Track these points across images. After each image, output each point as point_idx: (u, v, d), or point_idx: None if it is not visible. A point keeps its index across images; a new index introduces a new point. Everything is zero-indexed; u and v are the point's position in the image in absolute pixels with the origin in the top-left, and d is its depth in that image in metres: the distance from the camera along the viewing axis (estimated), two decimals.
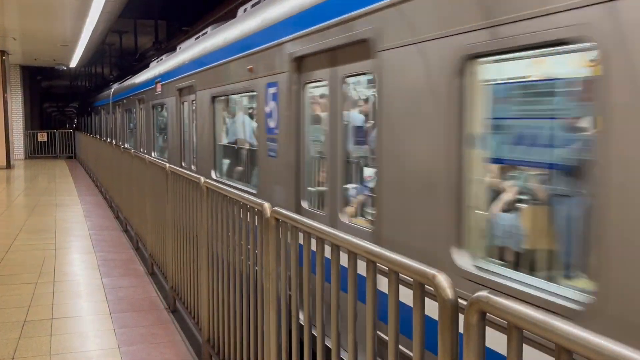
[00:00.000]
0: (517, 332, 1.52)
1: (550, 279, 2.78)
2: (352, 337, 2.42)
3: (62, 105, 66.95)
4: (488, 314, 1.59)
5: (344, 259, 2.46)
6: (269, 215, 3.24)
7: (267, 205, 3.31)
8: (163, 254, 6.68)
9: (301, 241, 2.91)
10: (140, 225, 8.68)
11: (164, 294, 6.61)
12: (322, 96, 5.16)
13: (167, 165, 6.28)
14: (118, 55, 32.35)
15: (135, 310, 6.16)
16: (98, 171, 16.90)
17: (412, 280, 1.95)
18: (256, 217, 3.51)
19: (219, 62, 7.83)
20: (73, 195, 15.69)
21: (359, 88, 4.78)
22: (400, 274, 2.06)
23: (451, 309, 1.76)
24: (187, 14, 19.63)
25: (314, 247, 2.75)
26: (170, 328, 5.63)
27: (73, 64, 28.48)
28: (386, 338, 2.16)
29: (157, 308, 6.24)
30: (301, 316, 2.98)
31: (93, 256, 8.58)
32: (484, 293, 1.60)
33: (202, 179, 4.71)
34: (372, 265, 2.22)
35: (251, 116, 7.72)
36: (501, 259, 3.12)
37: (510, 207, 3.14)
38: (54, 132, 31.93)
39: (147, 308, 6.23)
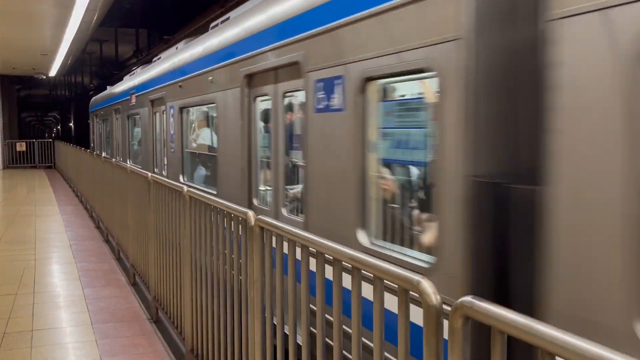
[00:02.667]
0: (501, 337, 1.54)
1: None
2: (338, 345, 2.43)
3: (42, 115, 66.32)
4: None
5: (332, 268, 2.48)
6: (253, 223, 3.25)
7: (251, 213, 3.32)
8: (145, 263, 6.63)
9: (286, 250, 2.92)
10: (121, 235, 8.62)
11: (147, 304, 6.56)
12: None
13: (149, 174, 6.26)
14: (98, 64, 32.14)
15: (117, 320, 6.10)
16: (78, 181, 16.75)
17: (396, 286, 1.97)
18: (240, 225, 3.51)
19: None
20: (53, 205, 15.52)
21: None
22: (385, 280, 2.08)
23: (436, 314, 1.78)
24: (168, 23, 19.56)
25: (299, 257, 2.76)
26: (153, 338, 5.59)
27: (52, 72, 28.23)
28: (372, 345, 2.17)
29: (140, 318, 6.19)
30: (286, 325, 2.98)
31: (74, 267, 8.49)
32: (468, 298, 1.63)
33: (185, 188, 4.71)
34: (356, 272, 2.24)
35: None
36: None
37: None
38: (33, 142, 31.57)
39: (130, 318, 6.18)
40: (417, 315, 1.97)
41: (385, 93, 3.98)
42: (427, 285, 1.81)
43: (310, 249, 2.67)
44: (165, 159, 9.99)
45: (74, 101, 47.78)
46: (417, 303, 1.86)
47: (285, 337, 3.01)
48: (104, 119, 19.03)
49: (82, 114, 46.91)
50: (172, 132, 9.38)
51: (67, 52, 21.26)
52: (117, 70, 28.70)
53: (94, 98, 23.54)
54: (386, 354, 2.21)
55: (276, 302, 3.12)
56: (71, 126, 53.73)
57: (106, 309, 6.48)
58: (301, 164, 5.03)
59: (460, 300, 1.63)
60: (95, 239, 10.73)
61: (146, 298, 6.73)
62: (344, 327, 2.42)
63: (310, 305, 2.72)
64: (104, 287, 7.45)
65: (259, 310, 3.24)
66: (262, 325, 3.24)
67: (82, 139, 39.99)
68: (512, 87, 2.81)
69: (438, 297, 1.78)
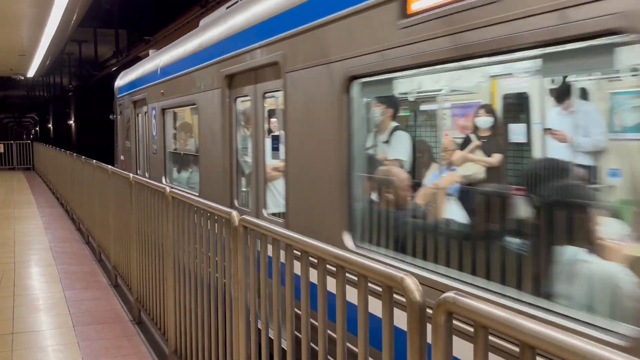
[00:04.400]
0: (483, 332, 1.57)
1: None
2: (323, 345, 2.44)
3: (19, 116, 65.46)
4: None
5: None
6: (237, 223, 3.25)
7: (235, 213, 3.32)
8: (127, 265, 6.60)
9: (270, 252, 2.92)
10: (102, 237, 8.55)
11: (129, 305, 6.52)
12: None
13: (131, 175, 6.22)
14: (78, 64, 31.83)
15: (99, 322, 6.06)
16: (58, 183, 16.57)
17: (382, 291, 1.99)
18: (223, 226, 3.52)
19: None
20: (32, 207, 15.34)
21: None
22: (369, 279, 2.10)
23: (419, 311, 1.81)
24: (148, 23, 19.42)
25: (283, 260, 2.77)
26: (136, 340, 5.56)
27: (31, 73, 27.92)
28: (356, 350, 2.18)
29: (122, 320, 6.15)
30: (271, 329, 2.99)
31: (54, 269, 8.41)
32: (451, 294, 1.66)
33: (168, 188, 4.70)
34: (341, 270, 2.25)
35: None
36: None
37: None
38: (11, 143, 31.15)
39: (111, 320, 6.14)
40: (402, 320, 1.99)
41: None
42: (410, 282, 1.84)
43: (295, 250, 2.69)
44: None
45: (52, 102, 47.25)
46: (403, 308, 1.88)
47: (270, 339, 3.02)
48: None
49: (61, 115, 46.38)
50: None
51: (45, 53, 21.05)
52: (97, 71, 28.46)
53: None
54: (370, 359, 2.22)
55: (260, 302, 3.12)
56: (50, 127, 53.13)
57: (87, 311, 6.44)
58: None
59: (443, 295, 1.66)
60: (76, 241, 10.63)
61: (128, 300, 6.69)
62: (329, 332, 2.43)
63: (297, 310, 2.73)
64: (85, 289, 7.39)
65: (243, 311, 3.25)
66: (246, 326, 3.24)
67: (60, 140, 39.57)
68: None
69: (421, 293, 1.81)
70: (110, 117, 13.73)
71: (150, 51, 11.09)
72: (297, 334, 2.67)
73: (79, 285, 7.57)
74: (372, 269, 2.01)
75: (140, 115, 10.73)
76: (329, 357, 2.42)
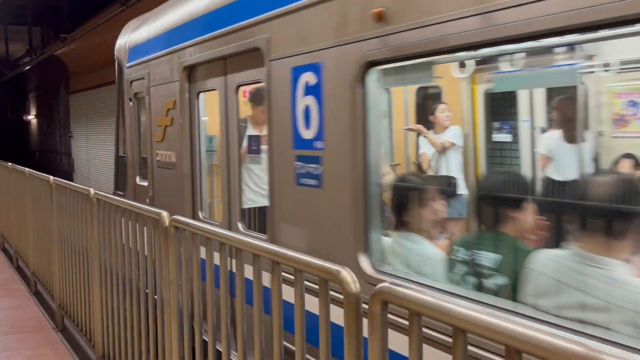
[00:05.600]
0: (417, 319, 1.64)
1: None
2: (259, 345, 2.45)
3: None
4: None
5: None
6: (167, 224, 3.21)
7: (165, 214, 3.28)
8: (48, 270, 6.35)
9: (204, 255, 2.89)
10: (20, 242, 8.19)
11: (51, 312, 6.29)
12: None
13: (51, 177, 6.00)
14: None
15: (18, 331, 5.81)
16: None
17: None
18: (154, 227, 3.47)
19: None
20: None
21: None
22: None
23: (355, 302, 1.86)
24: (65, 20, 18.71)
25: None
26: (60, 348, 5.37)
27: None
28: (293, 348, 2.21)
29: (44, 328, 5.92)
30: (205, 327, 2.98)
31: None
32: (386, 284, 1.72)
33: (92, 190, 4.57)
34: (276, 266, 2.28)
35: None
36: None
37: None
38: None
39: (32, 329, 5.90)
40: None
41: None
42: (346, 274, 1.89)
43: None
44: None
45: None
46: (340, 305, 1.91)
47: (205, 340, 3.01)
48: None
49: None
50: None
51: None
52: (9, 69, 27.19)
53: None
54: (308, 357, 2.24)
55: (194, 303, 3.10)
56: None
57: (5, 320, 6.16)
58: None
59: (379, 286, 1.72)
60: None
61: (50, 307, 6.44)
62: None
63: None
64: (2, 297, 7.06)
65: (176, 312, 3.21)
66: (179, 328, 3.21)
67: None
68: None
69: (357, 285, 1.87)
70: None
71: None
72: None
73: None
74: (308, 263, 2.05)
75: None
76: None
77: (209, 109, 5.06)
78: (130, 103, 6.44)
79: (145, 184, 5.96)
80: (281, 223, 3.71)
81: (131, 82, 6.35)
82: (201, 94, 5.01)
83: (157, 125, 5.61)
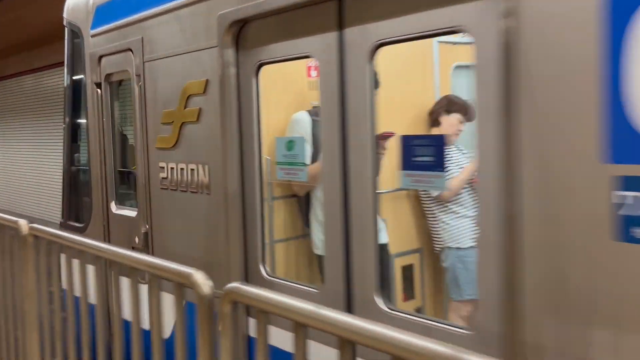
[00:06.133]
0: (264, 316, 1.72)
1: None
2: (120, 349, 2.43)
3: None
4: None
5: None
6: (26, 232, 3.10)
7: (22, 222, 3.16)
8: None
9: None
10: None
11: None
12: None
13: None
14: None
15: None
16: None
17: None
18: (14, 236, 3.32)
19: None
20: None
21: None
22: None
23: (208, 304, 1.91)
24: None
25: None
26: None
27: None
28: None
29: None
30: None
31: None
32: (235, 284, 1.78)
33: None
34: (134, 272, 2.28)
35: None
36: None
37: None
38: None
39: None
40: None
41: None
42: (199, 276, 1.93)
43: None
44: None
45: None
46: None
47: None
48: None
49: None
50: None
51: None
52: None
53: None
54: None
55: (55, 315, 3.01)
56: None
57: None
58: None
59: (228, 286, 1.78)
60: None
61: None
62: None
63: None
64: None
65: (36, 324, 3.10)
66: (39, 340, 3.10)
67: None
68: None
69: (209, 287, 1.91)
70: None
71: None
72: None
73: None
74: (162, 267, 2.08)
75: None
76: None
77: (275, 94, 3.57)
78: (98, 90, 4.38)
79: (132, 213, 3.94)
80: None
81: (100, 57, 4.28)
82: (263, 68, 3.10)
83: (163, 123, 3.64)
